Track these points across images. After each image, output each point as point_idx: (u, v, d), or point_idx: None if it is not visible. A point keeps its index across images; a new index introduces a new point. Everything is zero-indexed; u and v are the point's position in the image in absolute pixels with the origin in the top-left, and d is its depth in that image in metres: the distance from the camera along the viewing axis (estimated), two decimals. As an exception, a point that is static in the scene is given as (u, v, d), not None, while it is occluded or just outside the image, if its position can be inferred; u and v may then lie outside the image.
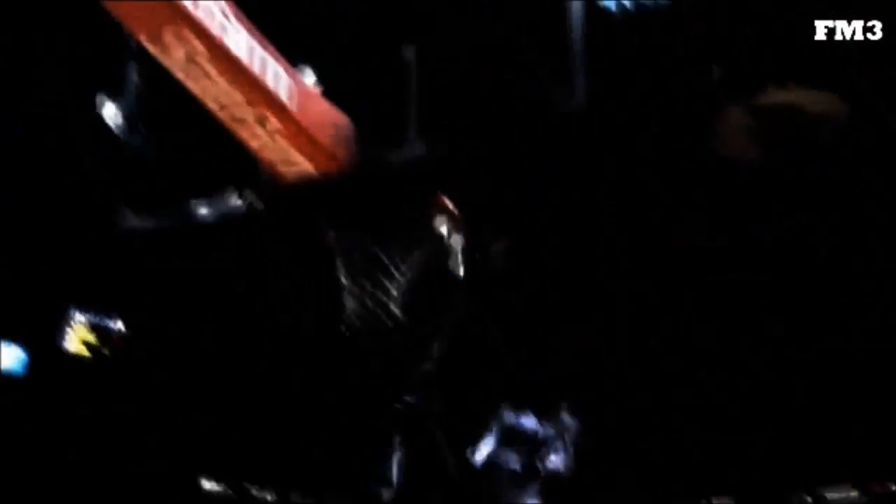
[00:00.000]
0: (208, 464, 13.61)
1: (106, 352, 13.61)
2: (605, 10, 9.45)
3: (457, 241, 9.52)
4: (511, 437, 5.76)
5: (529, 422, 5.65)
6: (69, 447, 13.64)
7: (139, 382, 13.60)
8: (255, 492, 13.07)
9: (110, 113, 10.92)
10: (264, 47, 7.79)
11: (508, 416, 5.89)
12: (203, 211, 9.78)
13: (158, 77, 8.76)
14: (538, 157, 9.28)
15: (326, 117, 8.46)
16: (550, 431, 5.68)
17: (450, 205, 9.36)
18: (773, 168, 9.11)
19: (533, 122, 9.14)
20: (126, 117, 10.36)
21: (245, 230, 9.80)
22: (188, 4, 6.98)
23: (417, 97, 9.39)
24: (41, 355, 13.86)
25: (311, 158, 8.38)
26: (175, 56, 7.44)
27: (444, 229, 9.45)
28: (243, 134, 8.16)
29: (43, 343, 13.77)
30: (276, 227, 9.59)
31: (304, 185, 8.58)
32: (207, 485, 13.65)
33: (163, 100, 10.19)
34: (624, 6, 9.41)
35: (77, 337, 13.81)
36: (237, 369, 12.72)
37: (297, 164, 8.42)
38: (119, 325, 13.49)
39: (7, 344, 13.73)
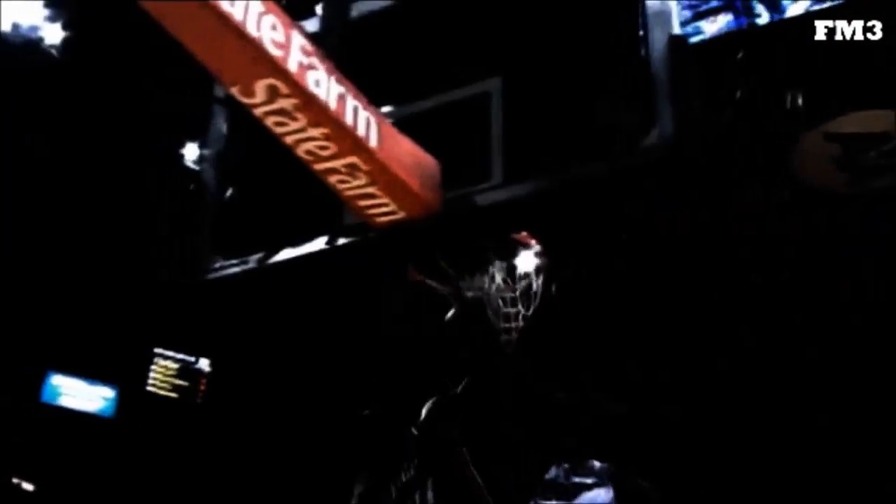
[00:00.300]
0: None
1: (192, 392, 13.80)
2: (683, 40, 9.37)
3: (541, 280, 9.45)
4: (550, 488, 5.57)
5: (564, 472, 5.44)
6: (156, 486, 13.81)
7: (224, 423, 13.72)
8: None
9: (195, 157, 11.09)
10: (353, 93, 7.84)
11: (551, 471, 5.66)
12: (290, 255, 9.84)
13: (245, 122, 8.87)
14: (625, 194, 9.21)
15: (414, 159, 8.47)
16: (588, 479, 5.48)
17: (535, 243, 9.32)
18: (860, 195, 9.04)
19: (619, 156, 9.06)
20: (213, 161, 10.50)
21: (332, 274, 9.84)
22: (279, 56, 7.06)
23: (503, 132, 9.38)
24: (130, 396, 14.10)
25: (399, 201, 8.38)
26: (265, 105, 7.51)
27: (528, 268, 9.40)
28: (331, 178, 8.20)
29: (131, 384, 14.00)
30: (364, 270, 9.60)
31: (393, 229, 8.59)
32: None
33: (249, 144, 10.34)
34: (702, 34, 9.32)
35: (164, 377, 14.02)
36: (320, 410, 12.76)
37: (385, 207, 8.43)
38: (205, 366, 13.69)
39: (98, 385, 13.98)
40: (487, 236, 8.80)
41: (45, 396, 13.85)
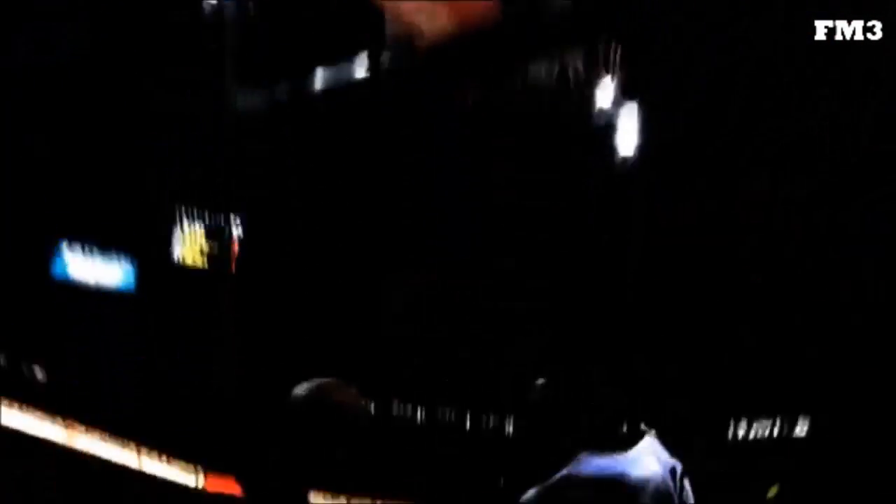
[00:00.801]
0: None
1: (224, 260, 13.61)
2: None
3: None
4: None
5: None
6: (185, 369, 13.87)
7: (260, 293, 13.67)
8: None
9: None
10: None
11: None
12: (325, 82, 9.70)
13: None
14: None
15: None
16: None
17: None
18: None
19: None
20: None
21: (374, 104, 9.68)
22: None
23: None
24: (151, 268, 14.04)
25: (454, 13, 8.24)
26: None
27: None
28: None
29: (152, 254, 13.92)
30: (410, 95, 9.47)
31: (447, 41, 8.45)
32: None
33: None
34: None
35: (191, 246, 13.88)
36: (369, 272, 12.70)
37: (437, 19, 8.28)
38: (238, 229, 13.46)
39: (115, 256, 13.93)
40: (552, 41, 8.69)
41: (56, 271, 13.83)
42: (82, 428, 13.29)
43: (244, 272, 13.71)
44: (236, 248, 13.67)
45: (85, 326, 13.81)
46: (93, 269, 13.96)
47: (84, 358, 13.68)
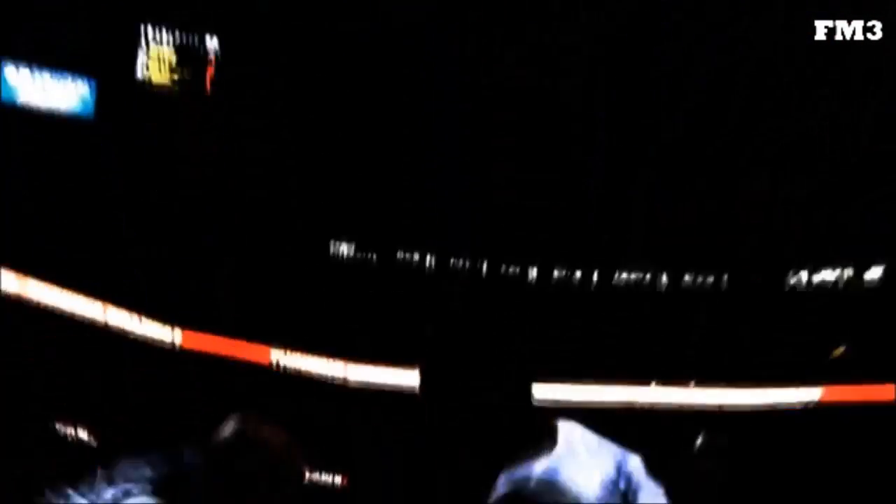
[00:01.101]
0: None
1: (196, 82, 12.85)
2: None
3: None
4: None
5: None
6: (151, 205, 13.22)
7: (238, 117, 13.06)
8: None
9: None
10: None
11: None
12: None
13: None
14: None
15: None
16: None
17: None
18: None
19: None
20: None
21: None
22: None
23: None
24: (113, 91, 13.21)
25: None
26: None
27: None
28: None
29: (115, 75, 13.11)
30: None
31: None
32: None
33: None
34: None
35: (159, 63, 12.94)
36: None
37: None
38: (213, 44, 12.62)
39: (69, 77, 12.96)
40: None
41: (1, 94, 12.89)
42: (38, 282, 12.59)
43: (221, 93, 12.91)
44: (212, 66, 12.88)
45: (38, 158, 12.92)
46: (45, 91, 13.06)
47: (37, 195, 12.79)
